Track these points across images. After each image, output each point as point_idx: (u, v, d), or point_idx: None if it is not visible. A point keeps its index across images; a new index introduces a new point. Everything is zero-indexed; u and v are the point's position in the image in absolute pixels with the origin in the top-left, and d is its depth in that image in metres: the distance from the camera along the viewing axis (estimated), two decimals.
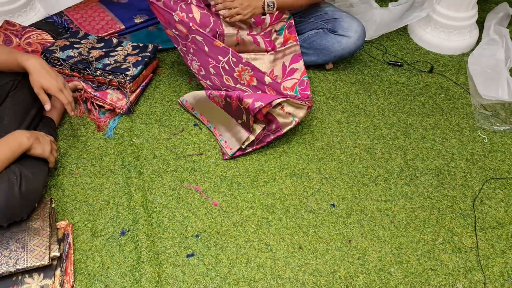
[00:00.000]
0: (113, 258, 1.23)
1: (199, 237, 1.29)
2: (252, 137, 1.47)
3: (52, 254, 1.12)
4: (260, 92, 1.49)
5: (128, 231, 1.29)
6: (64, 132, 1.54)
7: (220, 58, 1.48)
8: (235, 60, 1.47)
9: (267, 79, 1.47)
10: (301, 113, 1.44)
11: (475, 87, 1.77)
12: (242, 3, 1.52)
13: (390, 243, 1.31)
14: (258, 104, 1.37)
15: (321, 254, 1.27)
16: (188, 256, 1.25)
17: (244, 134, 1.48)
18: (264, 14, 1.59)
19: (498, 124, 1.65)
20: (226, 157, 1.48)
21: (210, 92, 1.55)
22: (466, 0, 1.83)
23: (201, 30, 1.46)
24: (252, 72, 1.47)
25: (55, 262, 1.14)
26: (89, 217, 1.31)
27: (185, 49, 1.55)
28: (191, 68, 1.60)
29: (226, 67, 1.49)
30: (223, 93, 1.50)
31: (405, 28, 2.06)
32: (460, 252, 1.30)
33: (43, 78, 1.29)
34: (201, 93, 1.59)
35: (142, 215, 1.32)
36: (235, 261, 1.25)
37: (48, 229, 1.16)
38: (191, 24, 1.45)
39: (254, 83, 1.49)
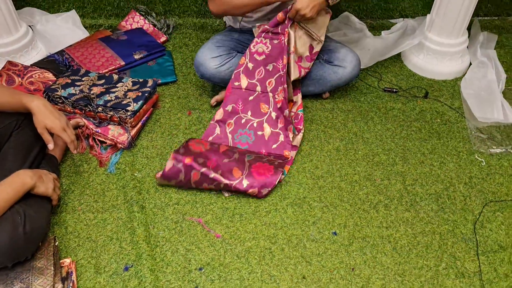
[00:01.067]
0: None
1: (203, 270, 1.29)
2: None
3: None
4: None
5: (132, 266, 1.29)
6: (67, 169, 1.56)
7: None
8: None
9: (286, 112, 1.62)
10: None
11: (470, 111, 1.80)
12: (309, 5, 1.56)
13: (393, 270, 1.31)
14: (265, 191, 1.48)
15: (324, 284, 1.27)
16: None
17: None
18: (328, 6, 1.63)
19: (495, 147, 1.67)
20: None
21: (197, 187, 1.49)
22: (456, 26, 1.88)
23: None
24: (283, 98, 1.63)
25: None
26: (93, 253, 1.32)
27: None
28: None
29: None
30: (215, 188, 1.49)
31: (398, 55, 2.11)
32: (463, 277, 1.30)
33: (47, 118, 1.32)
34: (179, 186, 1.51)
35: (145, 249, 1.33)
36: None
37: (52, 268, 1.16)
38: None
39: (279, 105, 1.64)
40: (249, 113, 1.67)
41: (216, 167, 1.48)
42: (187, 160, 1.46)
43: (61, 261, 1.26)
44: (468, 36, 2.11)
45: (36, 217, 1.20)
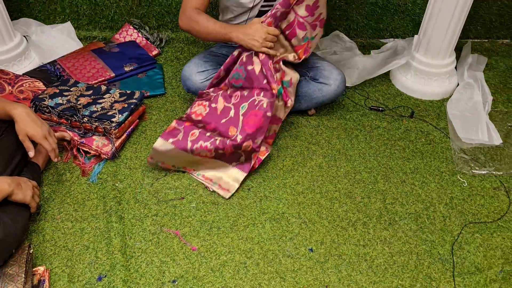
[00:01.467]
0: None
1: (176, 282, 1.29)
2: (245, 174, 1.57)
3: None
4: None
5: (105, 276, 1.29)
6: (49, 177, 1.57)
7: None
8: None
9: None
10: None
11: (454, 132, 1.81)
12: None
13: None
14: (259, 141, 1.55)
15: None
16: None
17: (241, 174, 1.56)
18: None
19: (478, 168, 1.67)
20: (227, 197, 1.54)
21: (192, 148, 1.53)
22: (443, 48, 1.90)
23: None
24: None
25: None
26: (68, 262, 1.32)
27: None
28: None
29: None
30: (211, 146, 1.52)
31: (387, 74, 2.13)
32: None
33: (29, 126, 1.34)
34: (175, 150, 1.54)
35: (120, 260, 1.33)
36: None
37: (23, 275, 1.17)
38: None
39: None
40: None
41: (214, 129, 1.59)
42: (187, 123, 1.59)
43: (34, 268, 1.26)
44: (458, 58, 2.13)
45: (11, 224, 1.21)
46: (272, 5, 1.65)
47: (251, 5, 1.65)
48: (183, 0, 1.65)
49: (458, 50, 2.06)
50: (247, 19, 1.71)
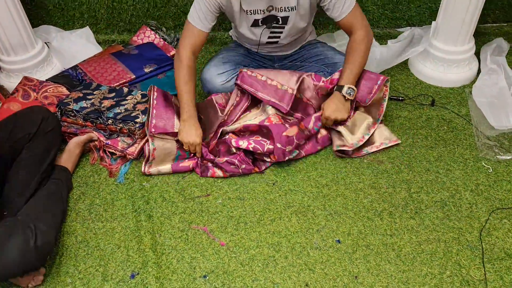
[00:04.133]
0: None
1: (207, 277, 1.32)
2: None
3: None
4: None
5: (138, 274, 1.33)
6: (78, 180, 1.61)
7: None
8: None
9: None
10: None
11: (483, 119, 1.78)
12: (334, 110, 1.63)
13: (397, 278, 1.31)
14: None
15: None
16: None
17: None
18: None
19: (502, 154, 1.66)
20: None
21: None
22: (462, 34, 1.88)
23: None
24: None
25: None
26: (101, 261, 1.36)
27: None
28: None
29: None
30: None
31: (405, 63, 2.12)
32: (468, 285, 1.29)
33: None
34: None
35: (152, 257, 1.36)
36: None
37: None
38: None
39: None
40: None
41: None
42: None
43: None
44: (478, 44, 2.10)
45: (47, 231, 1.24)
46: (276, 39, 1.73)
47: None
48: (182, 33, 1.67)
49: (478, 35, 2.03)
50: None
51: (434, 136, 1.75)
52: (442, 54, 1.95)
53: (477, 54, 2.06)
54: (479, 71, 2.03)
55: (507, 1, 2.21)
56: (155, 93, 1.69)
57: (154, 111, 1.64)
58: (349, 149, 1.63)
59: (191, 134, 1.59)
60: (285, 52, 1.84)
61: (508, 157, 1.65)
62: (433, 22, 1.96)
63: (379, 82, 1.68)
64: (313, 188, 1.57)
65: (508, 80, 1.92)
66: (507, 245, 1.38)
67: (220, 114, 1.74)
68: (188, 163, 1.61)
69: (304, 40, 1.85)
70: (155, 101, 1.67)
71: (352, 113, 1.68)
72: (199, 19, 1.61)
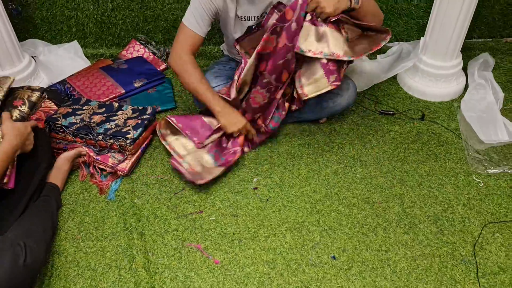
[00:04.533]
0: None
1: None
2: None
3: None
4: None
5: None
6: (67, 197, 1.57)
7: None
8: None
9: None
10: None
11: (471, 133, 1.81)
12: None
13: None
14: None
15: None
16: None
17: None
18: (349, 10, 1.54)
19: (492, 168, 1.68)
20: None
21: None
22: (450, 49, 1.92)
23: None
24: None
25: None
26: (92, 282, 1.32)
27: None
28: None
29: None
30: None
31: (394, 78, 2.14)
32: None
33: None
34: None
35: (144, 277, 1.33)
36: None
37: None
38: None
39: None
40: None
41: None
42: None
43: None
44: (464, 59, 2.14)
45: (37, 249, 1.21)
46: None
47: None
48: (177, 37, 1.65)
49: (464, 50, 2.07)
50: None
51: (425, 151, 1.77)
52: (431, 69, 1.97)
53: (464, 69, 2.10)
54: (466, 86, 2.06)
55: (491, 17, 2.26)
56: (173, 119, 1.72)
57: (187, 132, 1.69)
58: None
59: (236, 119, 1.64)
60: None
61: (498, 171, 1.67)
62: (422, 38, 2.00)
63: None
64: (307, 203, 1.56)
65: (495, 95, 1.96)
66: (501, 259, 1.39)
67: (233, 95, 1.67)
68: (232, 149, 1.68)
69: None
70: (180, 125, 1.71)
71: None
72: (196, 22, 1.61)
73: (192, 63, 1.64)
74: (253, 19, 1.65)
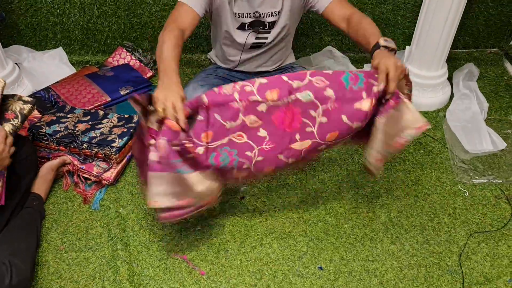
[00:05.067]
0: None
1: None
2: None
3: None
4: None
5: None
6: (50, 207, 1.54)
7: None
8: None
9: None
10: None
11: (458, 143, 1.82)
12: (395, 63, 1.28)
13: None
14: None
15: None
16: None
17: None
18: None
19: (477, 177, 1.69)
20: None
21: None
22: (436, 59, 1.93)
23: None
24: None
25: None
26: None
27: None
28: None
29: None
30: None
31: None
32: None
33: None
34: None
35: None
36: None
37: None
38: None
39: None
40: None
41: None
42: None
43: None
44: (449, 69, 2.16)
45: (23, 267, 1.17)
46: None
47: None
48: (171, 14, 1.48)
49: (449, 60, 2.09)
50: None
51: (411, 160, 1.77)
52: (417, 79, 1.99)
53: (449, 79, 2.12)
54: (451, 96, 2.08)
55: (476, 28, 2.29)
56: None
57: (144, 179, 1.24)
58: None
59: (168, 89, 1.22)
60: (266, 68, 1.83)
61: (483, 181, 1.68)
62: (407, 47, 2.01)
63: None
64: (294, 213, 1.55)
65: (480, 105, 1.98)
66: (486, 269, 1.40)
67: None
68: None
69: (285, 56, 1.85)
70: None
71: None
72: None
73: (176, 37, 1.35)
74: (247, 16, 1.59)
